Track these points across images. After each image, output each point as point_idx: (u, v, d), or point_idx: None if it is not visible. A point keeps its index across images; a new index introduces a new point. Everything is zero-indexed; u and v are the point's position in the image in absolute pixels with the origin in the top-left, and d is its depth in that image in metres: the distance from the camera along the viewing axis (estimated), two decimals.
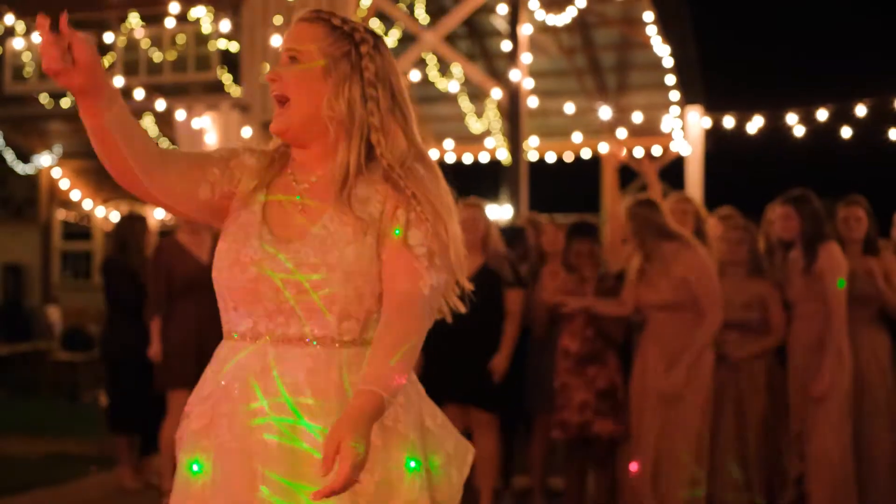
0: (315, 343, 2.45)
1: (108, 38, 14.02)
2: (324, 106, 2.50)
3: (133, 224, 8.11)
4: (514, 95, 11.51)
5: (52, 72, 2.34)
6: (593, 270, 6.41)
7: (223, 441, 2.45)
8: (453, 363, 6.45)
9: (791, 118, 12.66)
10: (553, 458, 7.32)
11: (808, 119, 12.58)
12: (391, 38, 14.26)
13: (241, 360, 2.49)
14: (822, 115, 12.40)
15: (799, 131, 12.66)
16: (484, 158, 17.69)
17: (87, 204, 17.38)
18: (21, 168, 17.36)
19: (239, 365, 2.49)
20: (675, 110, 15.34)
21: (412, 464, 2.46)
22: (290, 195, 2.57)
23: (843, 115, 12.34)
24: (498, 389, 6.69)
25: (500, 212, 13.13)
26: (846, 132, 12.43)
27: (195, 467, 2.49)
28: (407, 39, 13.85)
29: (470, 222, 6.80)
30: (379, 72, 2.54)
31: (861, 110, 12.11)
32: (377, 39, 2.59)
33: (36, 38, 12.23)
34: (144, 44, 14.53)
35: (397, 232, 2.47)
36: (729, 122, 13.22)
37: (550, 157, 17.53)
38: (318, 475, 2.22)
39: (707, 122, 13.70)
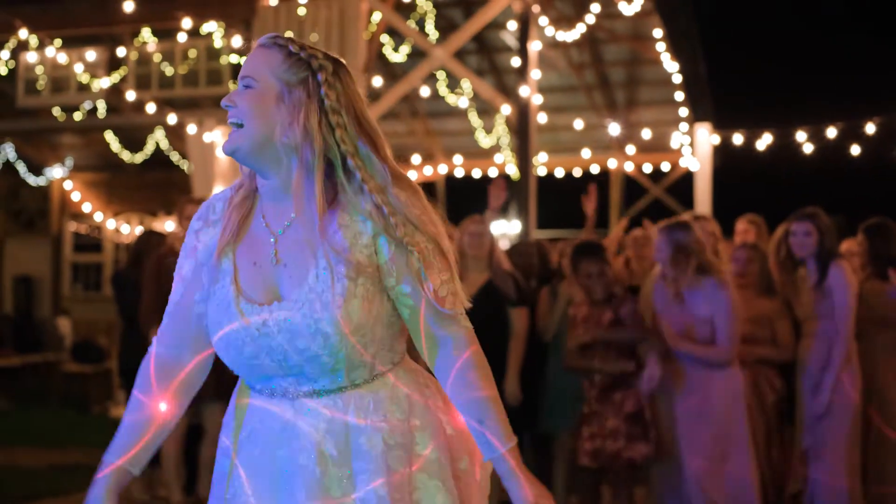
0: (328, 394, 2.47)
1: (121, 52, 14.10)
2: (278, 132, 2.45)
3: (150, 239, 8.13)
4: (523, 111, 11.55)
5: None
6: (604, 291, 6.32)
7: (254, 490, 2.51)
8: None
9: (800, 135, 12.68)
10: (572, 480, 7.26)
11: (817, 136, 12.61)
12: (401, 54, 14.32)
13: (262, 417, 2.52)
14: (831, 132, 12.42)
15: (808, 149, 12.68)
16: (493, 173, 17.71)
17: (98, 216, 17.44)
18: (33, 180, 17.44)
19: (260, 419, 2.52)
20: (684, 126, 15.37)
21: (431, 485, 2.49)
22: (265, 244, 2.52)
23: (852, 132, 12.36)
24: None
25: (508, 227, 13.15)
26: (855, 150, 12.45)
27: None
28: (417, 55, 13.90)
29: (476, 239, 6.81)
30: (340, 98, 2.49)
31: (870, 128, 12.13)
32: (337, 66, 2.53)
33: (49, 51, 12.33)
34: (156, 58, 14.60)
35: (422, 280, 2.47)
36: (738, 138, 13.25)
37: (559, 173, 17.57)
38: None
39: (716, 139, 13.73)
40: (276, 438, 2.48)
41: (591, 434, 6.16)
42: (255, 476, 2.50)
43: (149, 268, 7.31)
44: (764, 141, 13.08)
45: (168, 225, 14.45)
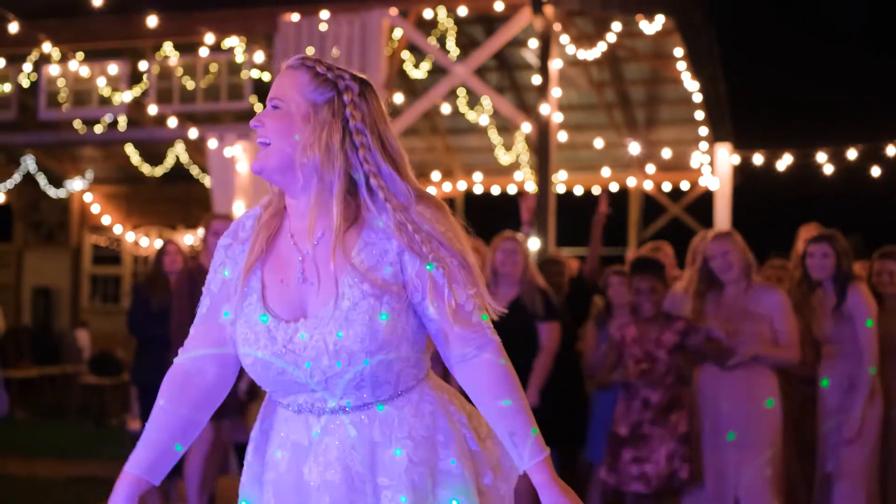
0: (354, 411, 2.49)
1: (143, 66, 14.19)
2: (299, 152, 2.47)
3: (160, 254, 8.13)
4: (543, 129, 11.55)
5: None
6: (653, 308, 6.15)
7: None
8: None
9: (821, 157, 12.66)
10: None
11: (837, 157, 12.57)
12: (421, 71, 14.34)
13: (288, 432, 2.54)
14: (851, 154, 12.39)
15: (828, 170, 12.65)
16: (512, 191, 17.74)
17: (118, 229, 17.53)
18: (53, 192, 17.53)
19: (287, 434, 2.54)
20: (703, 146, 15.34)
21: (454, 502, 2.50)
22: (292, 262, 2.54)
23: (872, 154, 12.33)
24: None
25: (529, 244, 13.12)
26: (876, 171, 12.42)
27: None
28: (438, 72, 13.93)
29: (509, 256, 6.79)
30: (365, 118, 2.51)
31: (891, 150, 12.10)
32: (364, 86, 2.56)
33: (72, 65, 12.40)
34: (178, 72, 14.69)
35: (447, 296, 2.48)
36: (758, 158, 13.23)
37: (578, 191, 17.57)
38: None
39: (736, 159, 13.70)
40: (302, 454, 2.50)
41: (635, 458, 6.01)
42: (280, 492, 2.52)
43: (178, 284, 7.29)
44: (784, 161, 13.05)
45: (187, 239, 14.51)
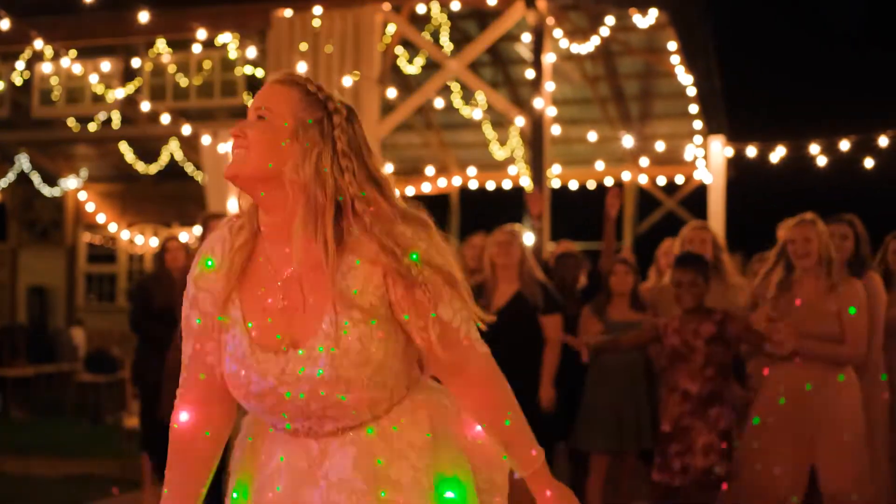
0: (352, 430, 2.48)
1: (136, 63, 14.16)
2: (288, 169, 2.41)
3: (161, 251, 8.11)
4: (537, 123, 11.54)
5: None
6: (693, 301, 6.05)
7: None
8: None
9: (814, 148, 12.66)
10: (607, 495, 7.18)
11: (830, 149, 12.57)
12: (415, 66, 14.33)
13: (286, 454, 2.53)
14: (844, 145, 12.40)
15: (821, 161, 12.66)
16: (507, 185, 17.75)
17: (113, 227, 17.52)
18: (47, 191, 17.51)
19: (286, 460, 2.52)
20: (697, 139, 15.35)
21: (449, 493, 2.50)
22: (272, 289, 2.48)
23: (865, 145, 12.33)
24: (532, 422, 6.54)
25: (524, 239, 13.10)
26: (869, 163, 12.43)
27: None
28: (431, 67, 13.90)
29: (503, 248, 6.82)
30: (351, 143, 2.47)
31: (883, 141, 12.11)
32: (350, 112, 2.52)
33: (64, 62, 12.37)
34: (171, 69, 14.67)
35: (433, 315, 2.45)
36: (751, 151, 13.23)
37: (573, 185, 17.58)
38: None
39: (729, 152, 13.70)
40: (301, 477, 2.48)
41: (678, 451, 5.96)
42: None
43: (183, 280, 7.19)
44: (777, 153, 13.04)
45: (182, 236, 14.49)
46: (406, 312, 2.45)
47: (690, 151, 15.46)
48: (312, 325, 2.42)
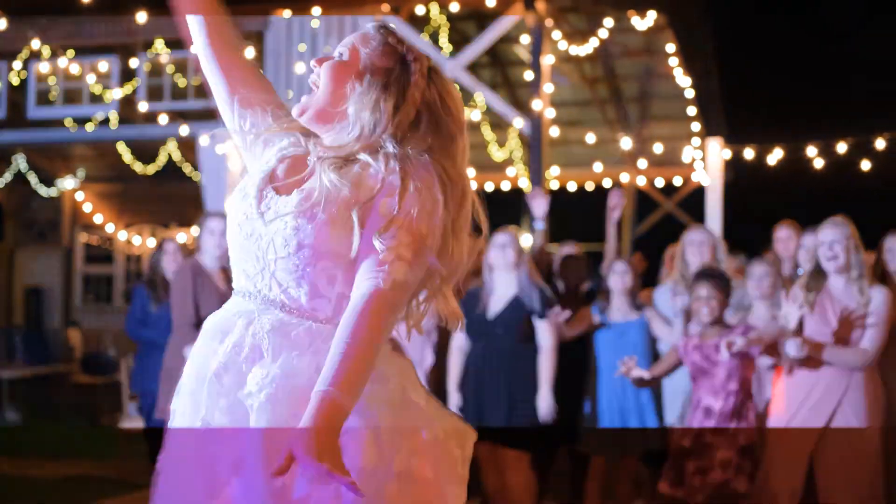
0: (288, 312, 2.45)
1: (134, 63, 14.13)
2: (350, 110, 2.52)
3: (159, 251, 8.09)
4: (535, 125, 11.54)
5: None
6: (710, 315, 6.09)
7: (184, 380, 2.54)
8: (480, 396, 6.44)
9: (811, 150, 12.66)
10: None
11: (827, 152, 12.57)
12: None
13: (229, 309, 2.54)
14: (841, 147, 12.40)
15: (818, 164, 12.65)
16: (505, 187, 17.72)
17: (110, 227, 17.49)
18: (44, 191, 17.46)
19: (225, 315, 2.54)
20: (696, 141, 15.34)
21: None
22: (303, 165, 2.57)
23: (862, 148, 12.33)
24: (527, 425, 6.53)
25: (523, 241, 13.09)
26: (865, 165, 12.43)
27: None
28: None
29: (499, 251, 6.80)
30: (424, 93, 2.54)
31: (880, 144, 12.11)
32: (433, 71, 2.59)
33: (62, 62, 12.34)
34: (169, 69, 14.62)
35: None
36: (749, 153, 13.22)
37: (571, 187, 17.55)
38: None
39: (727, 154, 13.70)
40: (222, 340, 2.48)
41: (698, 468, 5.94)
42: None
43: (177, 279, 7.15)
44: (775, 155, 13.04)
45: (180, 237, 14.46)
46: (363, 226, 2.42)
47: (689, 153, 15.45)
48: (307, 190, 2.48)
